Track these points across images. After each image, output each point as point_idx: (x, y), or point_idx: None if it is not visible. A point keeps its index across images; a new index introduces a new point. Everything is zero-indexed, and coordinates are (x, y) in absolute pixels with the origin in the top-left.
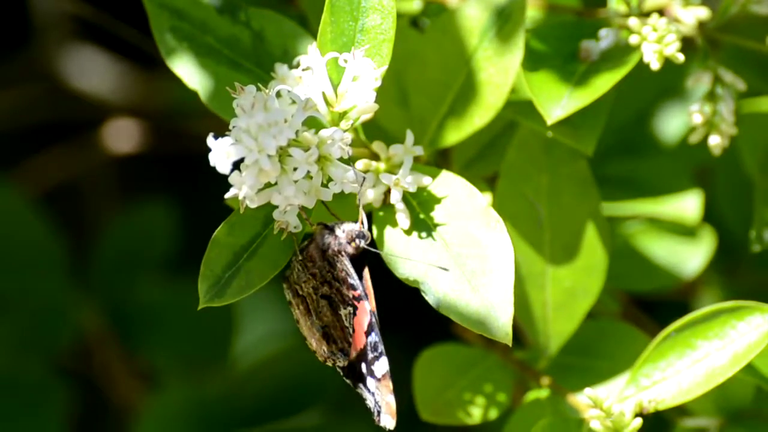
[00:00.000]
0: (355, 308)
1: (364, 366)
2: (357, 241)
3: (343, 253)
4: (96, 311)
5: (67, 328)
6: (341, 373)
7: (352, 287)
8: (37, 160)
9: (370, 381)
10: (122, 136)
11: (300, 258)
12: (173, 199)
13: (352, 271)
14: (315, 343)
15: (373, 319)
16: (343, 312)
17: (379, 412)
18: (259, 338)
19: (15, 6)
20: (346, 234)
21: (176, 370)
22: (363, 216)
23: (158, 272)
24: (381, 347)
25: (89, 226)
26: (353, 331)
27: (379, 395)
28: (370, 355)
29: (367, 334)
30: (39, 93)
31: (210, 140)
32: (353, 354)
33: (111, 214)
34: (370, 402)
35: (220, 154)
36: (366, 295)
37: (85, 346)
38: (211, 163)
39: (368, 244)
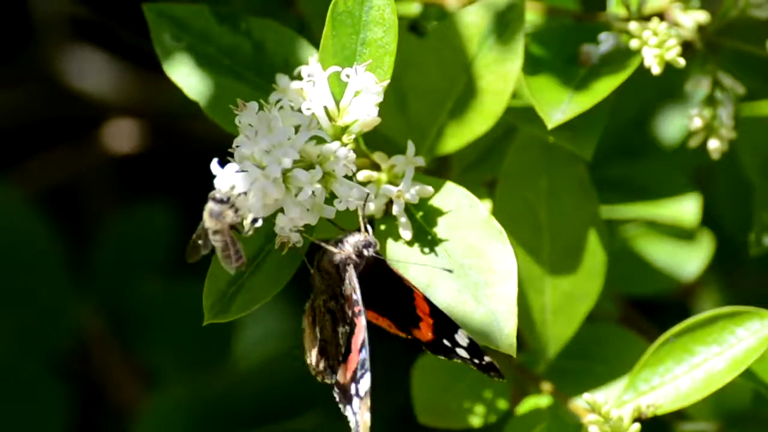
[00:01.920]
0: (353, 327)
1: (353, 386)
2: (365, 250)
3: (350, 264)
4: (95, 311)
5: (67, 328)
6: (334, 393)
7: (356, 302)
8: (37, 160)
9: (355, 401)
10: (122, 136)
11: (316, 270)
12: (173, 198)
13: (356, 284)
14: (314, 356)
15: (366, 335)
16: (340, 330)
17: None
18: (259, 338)
19: (15, 7)
20: (352, 246)
21: (176, 370)
22: (366, 226)
23: (158, 272)
24: (368, 364)
25: (89, 226)
26: (346, 350)
27: (359, 414)
28: (359, 373)
29: (360, 350)
30: (39, 93)
31: (214, 166)
32: (347, 375)
33: (110, 214)
34: (352, 423)
35: (226, 182)
36: (363, 311)
37: (85, 346)
38: (216, 188)
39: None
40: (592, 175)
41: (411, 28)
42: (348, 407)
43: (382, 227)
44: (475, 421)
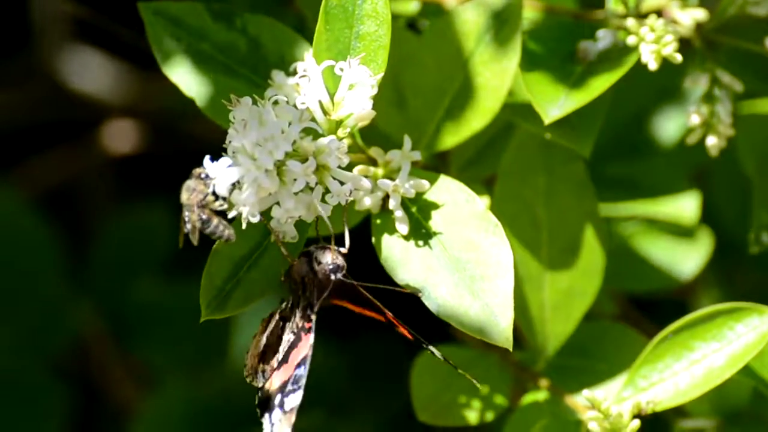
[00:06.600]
0: (298, 340)
1: (279, 397)
2: (332, 275)
3: (317, 282)
4: (94, 312)
5: (65, 328)
6: (256, 397)
7: (308, 318)
8: (36, 160)
9: (276, 412)
10: (121, 136)
11: (286, 277)
12: (171, 199)
13: (316, 303)
14: (253, 358)
15: (309, 354)
16: (285, 338)
17: None
18: None
19: (15, 7)
20: (322, 268)
21: (174, 370)
22: (347, 233)
23: (156, 272)
24: (303, 382)
25: (87, 227)
26: (283, 359)
27: (278, 426)
28: (289, 387)
29: (298, 366)
30: (38, 93)
31: (207, 163)
32: (275, 384)
33: (109, 214)
34: (267, 431)
35: (219, 176)
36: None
37: (83, 346)
38: (212, 184)
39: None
40: (591, 172)
41: (409, 25)
42: (267, 415)
43: (378, 221)
44: (475, 418)
